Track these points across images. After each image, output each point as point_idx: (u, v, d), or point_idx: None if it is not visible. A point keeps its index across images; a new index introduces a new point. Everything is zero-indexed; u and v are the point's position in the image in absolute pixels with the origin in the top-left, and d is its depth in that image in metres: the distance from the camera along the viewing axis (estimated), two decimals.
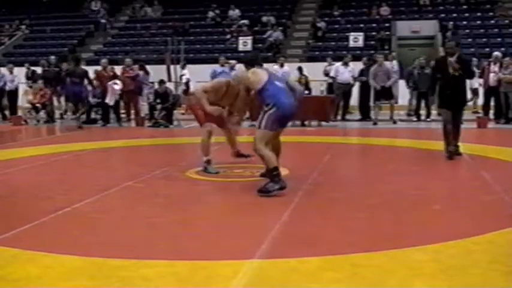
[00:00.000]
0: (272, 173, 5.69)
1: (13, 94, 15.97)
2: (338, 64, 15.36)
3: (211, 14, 25.36)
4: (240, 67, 6.68)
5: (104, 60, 15.66)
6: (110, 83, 14.40)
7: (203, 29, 24.96)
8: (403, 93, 15.53)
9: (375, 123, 13.98)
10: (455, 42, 8.93)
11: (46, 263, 3.65)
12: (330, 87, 15.43)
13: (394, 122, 14.03)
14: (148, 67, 16.76)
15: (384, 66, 14.34)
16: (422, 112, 14.77)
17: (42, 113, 15.15)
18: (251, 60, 6.24)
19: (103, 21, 26.18)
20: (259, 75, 5.94)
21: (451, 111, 8.14)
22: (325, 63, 17.05)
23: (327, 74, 16.22)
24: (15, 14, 27.53)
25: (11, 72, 16.13)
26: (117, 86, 14.35)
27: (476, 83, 15.17)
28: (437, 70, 8.38)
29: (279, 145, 6.28)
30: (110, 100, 14.34)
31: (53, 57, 17.39)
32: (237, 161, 7.29)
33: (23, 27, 26.73)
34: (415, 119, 14.65)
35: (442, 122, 8.30)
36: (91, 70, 15.59)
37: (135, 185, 6.33)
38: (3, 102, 16.42)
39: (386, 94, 14.21)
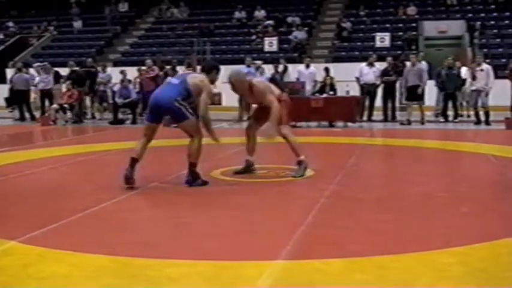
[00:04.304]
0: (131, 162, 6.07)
1: (47, 94, 16.19)
2: (362, 65, 15.28)
3: (237, 14, 25.42)
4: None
5: (148, 61, 15.94)
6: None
7: (229, 29, 25.02)
8: (431, 93, 15.38)
9: (408, 123, 13.94)
10: None
11: (73, 262, 3.68)
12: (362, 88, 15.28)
13: (422, 123, 13.95)
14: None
15: (416, 66, 14.29)
16: (450, 113, 14.63)
17: (69, 114, 15.36)
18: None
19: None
20: None
21: None
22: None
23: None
24: (43, 16, 27.91)
25: (47, 73, 16.34)
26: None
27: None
28: None
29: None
30: None
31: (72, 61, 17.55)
32: (261, 162, 7.27)
33: (51, 28, 27.07)
34: (442, 119, 14.50)
35: None
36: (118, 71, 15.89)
37: (161, 185, 6.36)
38: (37, 103, 16.72)
39: (416, 95, 14.14)
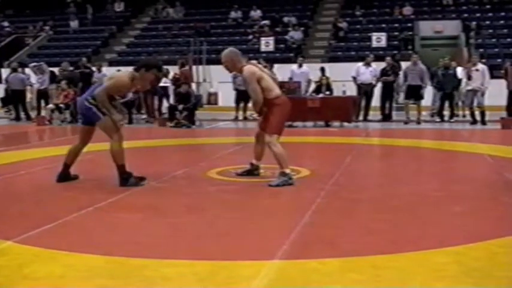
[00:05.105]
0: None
1: (43, 94, 16.17)
2: (359, 64, 15.31)
3: (233, 14, 25.43)
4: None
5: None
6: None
7: (225, 29, 25.03)
8: (427, 93, 15.43)
9: (406, 123, 14.01)
10: None
11: (68, 262, 3.67)
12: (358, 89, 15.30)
13: (418, 123, 14.00)
14: (170, 68, 16.85)
15: (418, 66, 14.34)
16: (446, 113, 14.66)
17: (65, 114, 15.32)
18: None
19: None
20: None
21: None
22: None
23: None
24: (39, 15, 27.86)
25: (42, 73, 16.30)
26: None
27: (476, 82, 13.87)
28: None
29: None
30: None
31: (66, 62, 17.47)
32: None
33: (47, 28, 27.02)
34: (438, 119, 14.53)
35: None
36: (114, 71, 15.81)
37: (157, 185, 6.35)
38: (33, 103, 16.68)
39: (416, 94, 14.21)
